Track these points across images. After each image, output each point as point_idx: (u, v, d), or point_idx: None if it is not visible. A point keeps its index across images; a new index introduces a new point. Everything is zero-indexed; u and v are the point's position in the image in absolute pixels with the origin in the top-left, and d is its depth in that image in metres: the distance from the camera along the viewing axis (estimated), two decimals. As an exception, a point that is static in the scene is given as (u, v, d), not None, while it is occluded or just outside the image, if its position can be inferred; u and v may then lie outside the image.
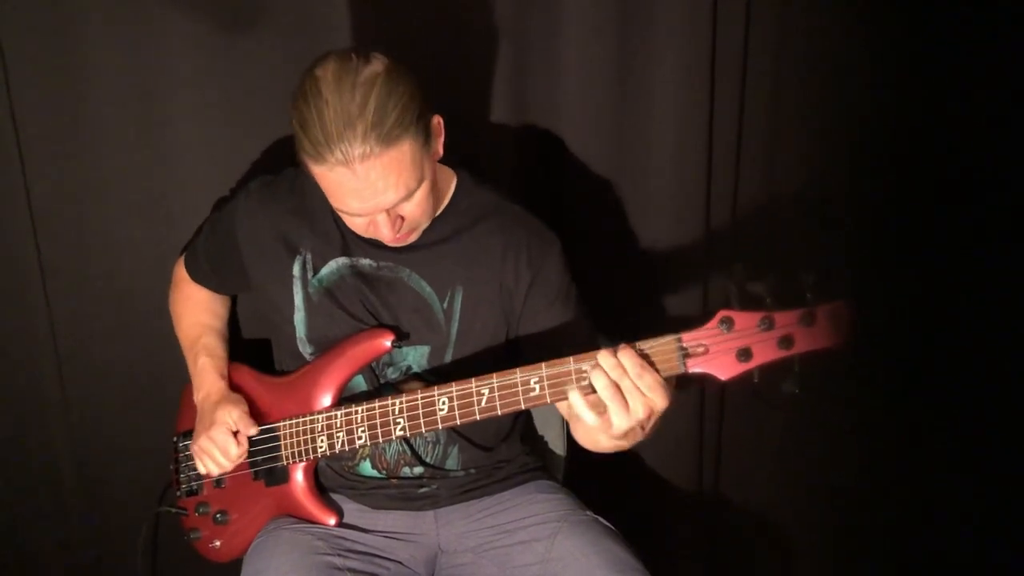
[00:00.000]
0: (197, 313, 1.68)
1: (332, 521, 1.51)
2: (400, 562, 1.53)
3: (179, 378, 1.71)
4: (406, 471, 1.55)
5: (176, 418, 1.70)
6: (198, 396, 1.59)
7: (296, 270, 1.51)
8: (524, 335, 1.51)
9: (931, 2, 1.76)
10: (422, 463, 1.54)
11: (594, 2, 1.71)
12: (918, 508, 2.06)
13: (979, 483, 2.01)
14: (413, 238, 1.44)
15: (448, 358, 1.50)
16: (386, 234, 1.35)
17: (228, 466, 1.51)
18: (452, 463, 1.56)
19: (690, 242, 1.86)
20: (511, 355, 1.51)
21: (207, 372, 1.59)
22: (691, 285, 1.89)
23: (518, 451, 1.64)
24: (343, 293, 1.50)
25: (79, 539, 1.98)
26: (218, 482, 1.59)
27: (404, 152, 1.27)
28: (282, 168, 1.59)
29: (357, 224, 1.38)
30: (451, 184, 1.52)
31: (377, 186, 1.28)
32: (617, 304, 1.91)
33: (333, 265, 1.50)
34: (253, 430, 1.51)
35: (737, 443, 2.04)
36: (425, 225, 1.44)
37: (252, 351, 1.69)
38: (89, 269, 1.81)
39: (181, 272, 1.70)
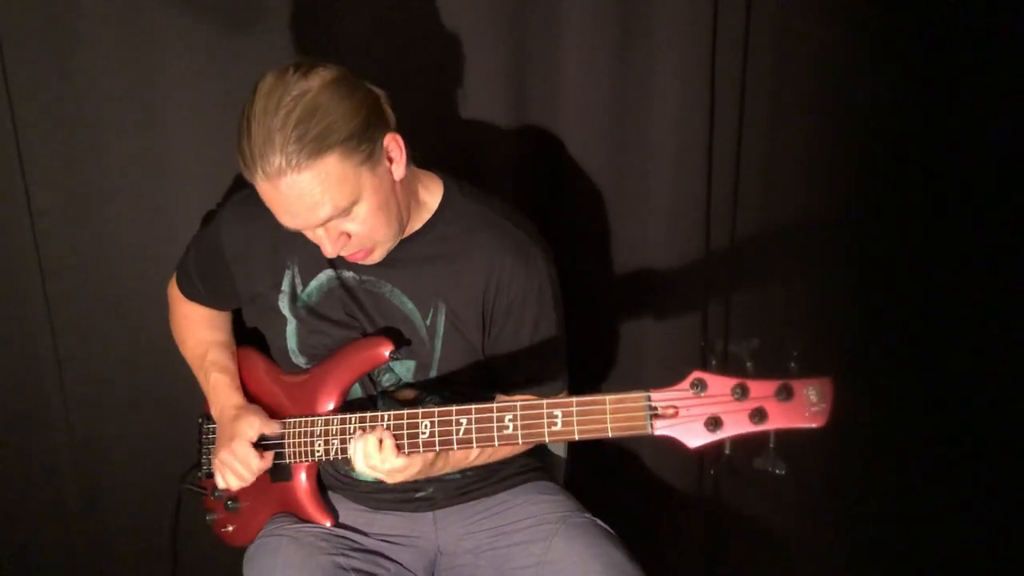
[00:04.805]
0: (199, 330, 1.66)
1: (328, 523, 1.51)
2: (400, 563, 1.53)
3: (179, 378, 1.71)
4: (401, 476, 1.54)
5: (202, 404, 1.69)
6: (215, 411, 1.57)
7: (285, 285, 1.50)
8: (492, 355, 1.50)
9: (931, 1, 1.76)
10: (418, 468, 1.53)
11: (594, 2, 1.71)
12: (918, 509, 2.05)
13: (980, 487, 2.01)
14: (377, 256, 1.41)
15: (434, 373, 1.49)
16: (327, 249, 1.34)
17: (249, 478, 1.48)
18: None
19: (689, 244, 1.85)
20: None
21: (221, 387, 1.57)
22: (690, 287, 1.89)
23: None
24: (331, 307, 1.49)
25: (79, 539, 1.98)
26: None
27: (329, 169, 1.25)
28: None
29: (308, 237, 1.36)
30: (436, 195, 1.48)
31: (302, 202, 1.27)
32: (614, 306, 1.91)
33: (322, 278, 1.49)
34: (277, 428, 1.49)
35: (737, 444, 2.04)
36: (388, 244, 1.41)
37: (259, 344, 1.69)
38: (89, 270, 1.81)
39: (175, 292, 1.68)
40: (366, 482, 1.55)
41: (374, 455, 1.31)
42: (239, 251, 1.52)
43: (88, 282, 1.82)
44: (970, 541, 2.03)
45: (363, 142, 1.28)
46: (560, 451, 1.77)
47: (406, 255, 1.45)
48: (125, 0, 1.66)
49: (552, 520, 1.49)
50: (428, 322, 1.47)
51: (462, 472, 1.56)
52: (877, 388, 1.93)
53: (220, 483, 1.51)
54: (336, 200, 1.28)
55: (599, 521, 1.51)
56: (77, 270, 1.81)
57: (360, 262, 1.42)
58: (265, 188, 1.28)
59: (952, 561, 2.05)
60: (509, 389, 1.52)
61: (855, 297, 1.94)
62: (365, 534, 1.54)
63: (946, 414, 1.97)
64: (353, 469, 1.38)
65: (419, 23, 1.71)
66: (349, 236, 1.34)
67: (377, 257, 1.42)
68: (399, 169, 1.35)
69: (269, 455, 1.49)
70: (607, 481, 1.93)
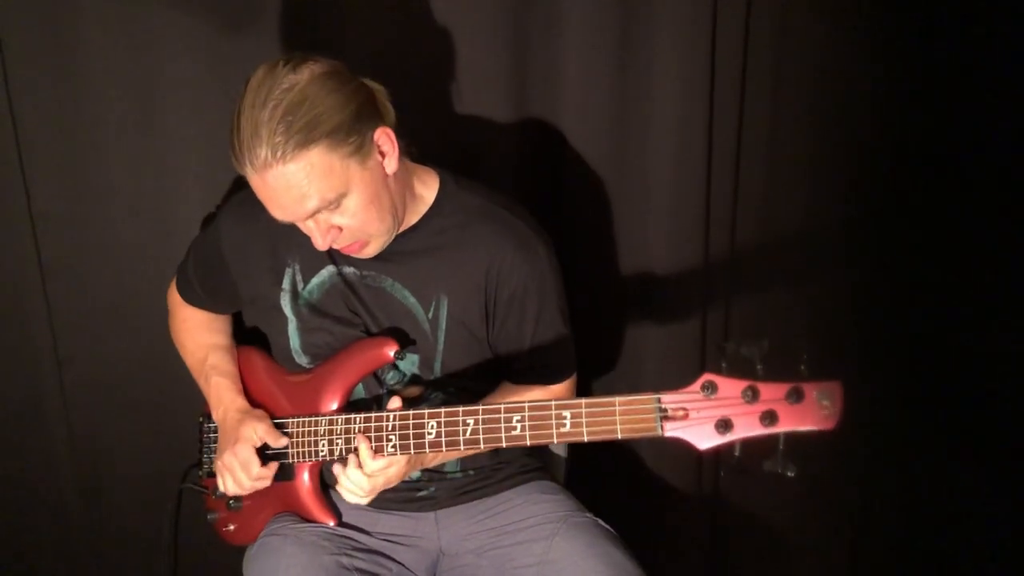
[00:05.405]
0: (198, 335, 1.65)
1: (331, 523, 1.51)
2: (402, 564, 1.53)
3: (179, 378, 1.71)
4: (403, 474, 1.54)
5: (203, 405, 1.69)
6: (217, 413, 1.57)
7: (286, 283, 1.50)
8: (497, 346, 1.50)
9: (932, 1, 1.76)
10: (419, 466, 1.54)
11: (594, 2, 1.71)
12: (919, 510, 2.05)
13: (982, 487, 2.01)
14: (372, 250, 1.41)
15: (438, 367, 1.49)
16: (317, 242, 1.35)
17: (248, 484, 1.48)
18: (451, 465, 1.56)
19: (689, 244, 1.85)
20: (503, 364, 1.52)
21: (223, 390, 1.57)
22: (689, 286, 1.89)
23: (519, 452, 1.64)
24: (333, 304, 1.49)
25: (79, 539, 1.98)
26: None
27: (315, 161, 1.26)
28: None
29: (301, 229, 1.37)
30: (432, 189, 1.48)
31: (289, 194, 1.27)
32: (613, 305, 1.91)
33: (324, 274, 1.49)
34: (283, 441, 1.48)
35: (745, 446, 2.04)
36: (383, 238, 1.41)
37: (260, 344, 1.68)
38: (89, 270, 1.81)
39: (175, 297, 1.68)
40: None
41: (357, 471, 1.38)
42: (238, 252, 1.52)
43: (88, 282, 1.82)
44: (971, 542, 2.03)
45: (351, 134, 1.28)
46: (560, 451, 1.77)
47: (404, 249, 1.45)
48: (125, 0, 1.66)
49: (553, 519, 1.50)
50: (430, 315, 1.47)
51: (464, 471, 1.56)
52: (878, 387, 1.93)
53: (221, 487, 1.51)
54: (323, 192, 1.28)
55: (600, 521, 1.51)
56: (77, 270, 1.81)
57: (355, 255, 1.42)
58: (254, 181, 1.29)
59: (953, 561, 2.06)
60: (516, 378, 1.52)
61: (855, 296, 1.94)
62: (368, 534, 1.54)
63: (947, 413, 1.97)
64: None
65: (419, 22, 1.71)
66: (340, 229, 1.35)
67: (372, 250, 1.42)
68: (391, 163, 1.36)
69: (273, 464, 1.48)
70: (607, 481, 1.93)
